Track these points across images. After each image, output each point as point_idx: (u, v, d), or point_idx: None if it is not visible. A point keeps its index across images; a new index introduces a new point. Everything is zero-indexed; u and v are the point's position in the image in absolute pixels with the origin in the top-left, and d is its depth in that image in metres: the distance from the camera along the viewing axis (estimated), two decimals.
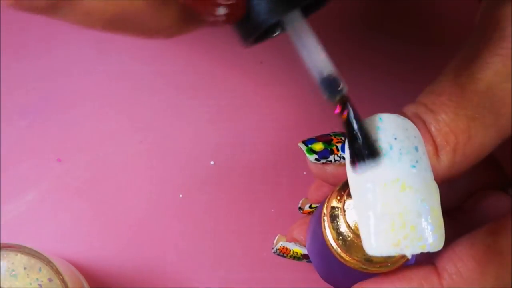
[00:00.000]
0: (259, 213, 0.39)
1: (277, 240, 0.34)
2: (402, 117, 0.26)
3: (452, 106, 0.27)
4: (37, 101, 0.40)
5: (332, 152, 0.29)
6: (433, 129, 0.27)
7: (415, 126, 0.26)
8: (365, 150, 0.24)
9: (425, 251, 0.24)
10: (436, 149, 0.27)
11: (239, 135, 0.41)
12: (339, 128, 0.30)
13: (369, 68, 0.42)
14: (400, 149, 0.25)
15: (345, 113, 0.23)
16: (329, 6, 0.24)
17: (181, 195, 0.40)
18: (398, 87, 0.41)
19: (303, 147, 0.29)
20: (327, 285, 0.33)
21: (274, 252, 0.34)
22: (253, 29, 0.23)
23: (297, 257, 0.34)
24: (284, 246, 0.33)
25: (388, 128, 0.25)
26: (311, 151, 0.29)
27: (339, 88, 0.23)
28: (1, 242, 0.32)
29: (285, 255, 0.34)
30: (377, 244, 0.24)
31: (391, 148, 0.24)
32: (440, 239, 0.24)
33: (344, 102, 0.23)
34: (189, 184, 0.40)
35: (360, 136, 0.24)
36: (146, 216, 0.39)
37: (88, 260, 0.38)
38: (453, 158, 0.27)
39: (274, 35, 0.25)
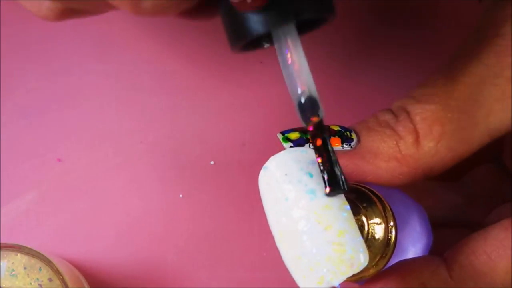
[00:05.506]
0: (259, 213, 0.39)
1: None
2: (295, 149, 0.26)
3: (442, 97, 0.27)
4: (37, 101, 0.40)
5: (307, 141, 0.28)
6: (417, 118, 0.27)
7: (309, 150, 0.25)
8: (337, 179, 0.23)
9: (350, 274, 0.23)
10: (417, 137, 0.26)
11: (239, 135, 0.41)
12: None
13: (369, 67, 0.42)
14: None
15: (319, 141, 0.23)
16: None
17: (181, 195, 0.39)
18: (399, 85, 0.41)
19: (280, 136, 0.29)
20: None
21: None
22: (241, 36, 0.22)
23: None
24: None
25: (281, 166, 0.25)
26: (287, 140, 0.29)
27: (317, 113, 0.23)
28: (1, 242, 0.32)
29: None
30: (306, 285, 0.23)
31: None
32: (362, 256, 0.23)
33: (320, 129, 0.23)
34: (189, 184, 0.40)
35: (333, 166, 0.23)
36: (146, 216, 0.39)
37: (88, 260, 0.38)
38: (435, 147, 0.26)
39: (265, 46, 0.24)
